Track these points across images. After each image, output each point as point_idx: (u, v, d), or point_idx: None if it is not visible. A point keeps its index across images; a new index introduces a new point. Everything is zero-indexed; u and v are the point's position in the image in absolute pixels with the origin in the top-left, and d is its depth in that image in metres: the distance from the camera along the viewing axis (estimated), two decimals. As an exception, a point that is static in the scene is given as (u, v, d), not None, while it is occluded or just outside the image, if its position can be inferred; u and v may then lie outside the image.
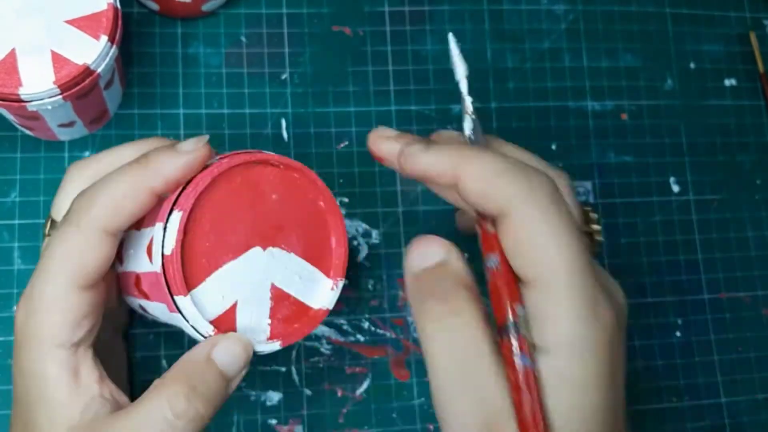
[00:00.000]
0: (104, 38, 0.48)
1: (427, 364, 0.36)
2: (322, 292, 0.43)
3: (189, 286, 0.39)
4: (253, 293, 0.41)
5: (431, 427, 0.58)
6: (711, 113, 0.67)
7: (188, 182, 0.39)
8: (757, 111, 0.68)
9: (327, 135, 0.61)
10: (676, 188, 0.65)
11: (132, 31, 0.60)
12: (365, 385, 0.58)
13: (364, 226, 0.60)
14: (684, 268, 0.64)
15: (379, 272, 0.60)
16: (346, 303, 0.59)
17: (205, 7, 0.60)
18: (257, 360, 0.49)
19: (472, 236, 0.41)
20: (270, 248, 0.41)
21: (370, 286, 0.59)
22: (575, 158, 0.64)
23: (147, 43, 0.60)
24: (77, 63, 0.48)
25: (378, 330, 0.59)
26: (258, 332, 0.41)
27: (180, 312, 0.39)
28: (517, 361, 0.34)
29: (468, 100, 0.43)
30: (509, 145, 0.44)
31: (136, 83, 0.59)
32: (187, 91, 0.60)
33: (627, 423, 0.37)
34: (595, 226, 0.44)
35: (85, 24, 0.49)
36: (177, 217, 0.38)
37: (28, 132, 0.57)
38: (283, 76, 0.62)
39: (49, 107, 0.48)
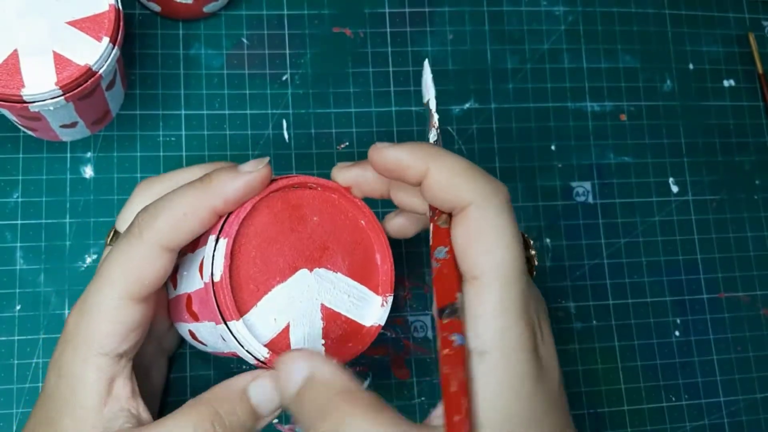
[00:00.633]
0: (106, 39, 0.48)
1: None
2: (372, 309, 0.43)
3: (241, 311, 0.39)
4: (305, 315, 0.41)
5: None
6: (710, 114, 0.68)
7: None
8: (755, 112, 0.68)
9: (328, 136, 0.61)
10: (675, 188, 0.65)
11: (134, 33, 0.60)
12: (366, 384, 0.58)
13: (365, 226, 0.60)
14: (683, 268, 0.64)
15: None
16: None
17: (207, 9, 0.60)
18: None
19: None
20: (316, 269, 0.42)
21: (370, 286, 0.59)
22: (574, 159, 0.64)
23: (149, 44, 0.60)
24: (79, 64, 0.48)
25: (378, 330, 0.59)
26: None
27: (234, 336, 0.39)
28: (454, 338, 0.35)
29: (435, 117, 0.44)
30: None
31: (138, 84, 0.60)
32: (189, 92, 0.60)
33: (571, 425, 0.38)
34: (532, 251, 0.45)
35: (87, 25, 0.49)
36: (222, 244, 0.39)
37: (30, 133, 0.57)
38: (284, 77, 0.62)
39: (51, 108, 0.48)
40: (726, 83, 0.68)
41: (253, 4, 0.62)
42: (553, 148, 0.64)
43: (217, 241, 0.39)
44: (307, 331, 0.41)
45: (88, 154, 0.58)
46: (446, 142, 0.63)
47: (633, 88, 0.67)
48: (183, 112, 0.60)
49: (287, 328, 0.41)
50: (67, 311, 0.55)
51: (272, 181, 0.41)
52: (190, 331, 0.45)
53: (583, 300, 0.62)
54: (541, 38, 0.66)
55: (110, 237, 0.47)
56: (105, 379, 0.39)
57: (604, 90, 0.66)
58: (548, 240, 0.62)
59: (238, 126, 0.60)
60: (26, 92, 0.47)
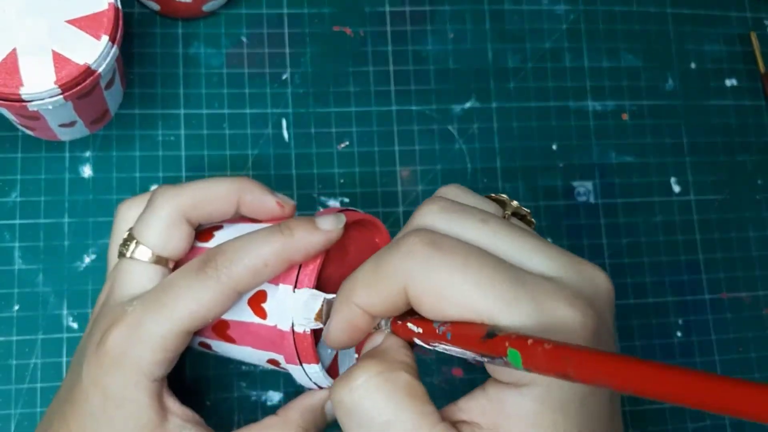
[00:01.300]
0: (105, 38, 0.48)
1: None
2: None
3: (315, 358, 0.41)
4: None
5: (432, 427, 0.58)
6: (712, 113, 0.67)
7: None
8: (758, 111, 0.68)
9: (328, 135, 0.61)
10: (677, 188, 0.65)
11: (133, 32, 0.60)
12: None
13: (365, 226, 0.60)
14: (685, 268, 0.64)
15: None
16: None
17: (206, 8, 0.60)
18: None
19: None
20: None
21: (370, 286, 0.59)
22: (576, 158, 0.64)
23: (148, 43, 0.60)
24: (78, 63, 0.48)
25: (379, 330, 0.59)
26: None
27: (308, 377, 0.42)
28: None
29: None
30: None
31: (137, 83, 0.59)
32: (188, 91, 0.60)
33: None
34: (514, 203, 0.42)
35: (86, 24, 0.49)
36: (300, 295, 0.40)
37: (28, 132, 0.57)
38: (284, 77, 0.62)
39: (50, 107, 0.48)
40: (728, 82, 0.68)
41: (252, 3, 0.62)
42: (554, 147, 0.64)
43: (294, 292, 0.40)
44: (348, 355, 0.45)
45: (87, 154, 0.58)
46: (447, 141, 0.62)
47: (635, 88, 0.66)
48: (182, 111, 0.60)
49: (336, 355, 0.44)
50: (65, 311, 0.55)
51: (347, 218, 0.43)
52: (202, 343, 0.46)
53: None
54: (542, 37, 0.66)
55: (130, 249, 0.44)
56: (157, 400, 0.41)
57: (606, 89, 0.66)
58: (549, 240, 0.62)
59: (238, 125, 0.60)
60: (25, 91, 0.47)
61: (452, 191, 0.39)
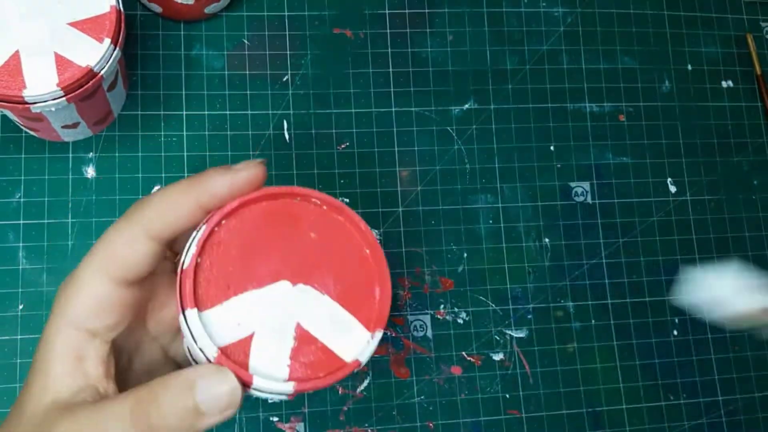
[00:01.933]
0: (107, 41, 0.49)
1: None
2: (355, 342, 0.38)
3: (203, 304, 0.37)
4: (275, 329, 0.38)
5: (431, 425, 0.58)
6: (708, 115, 0.68)
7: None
8: (754, 112, 0.69)
9: (328, 136, 0.62)
10: (673, 189, 0.66)
11: (135, 34, 0.60)
12: (366, 383, 0.58)
13: (365, 226, 0.60)
14: (681, 267, 0.65)
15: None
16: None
17: (208, 10, 0.60)
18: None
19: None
20: (300, 284, 0.39)
21: (370, 286, 0.60)
22: (574, 159, 0.65)
23: (150, 45, 0.61)
24: (80, 65, 0.48)
25: (378, 329, 0.59)
26: (274, 371, 0.38)
27: (188, 327, 0.37)
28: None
29: None
30: None
31: (140, 85, 0.60)
32: (190, 92, 0.61)
33: None
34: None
35: (89, 26, 0.49)
36: (199, 232, 0.38)
37: (32, 133, 0.57)
38: (285, 78, 0.62)
39: (53, 109, 0.49)
40: (724, 84, 0.69)
41: (254, 5, 0.63)
42: (552, 148, 0.64)
43: (198, 230, 0.38)
44: (273, 347, 0.38)
45: (90, 155, 0.58)
46: (446, 142, 0.63)
47: (632, 89, 0.67)
48: (184, 112, 0.60)
49: (250, 337, 0.38)
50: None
51: (273, 187, 0.40)
52: (188, 348, 0.43)
53: (582, 299, 0.62)
54: (540, 39, 0.66)
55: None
56: (73, 353, 0.39)
57: (603, 91, 0.66)
58: (547, 240, 0.63)
59: (239, 126, 0.60)
60: (28, 93, 0.47)
61: None
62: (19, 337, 0.55)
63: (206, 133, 0.60)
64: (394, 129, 0.63)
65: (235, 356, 0.37)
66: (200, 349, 0.37)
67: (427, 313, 0.60)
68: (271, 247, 0.39)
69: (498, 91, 0.65)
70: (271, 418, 0.57)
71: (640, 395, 0.62)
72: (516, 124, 0.64)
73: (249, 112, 0.61)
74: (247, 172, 0.39)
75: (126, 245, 0.39)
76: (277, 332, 0.38)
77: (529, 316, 0.61)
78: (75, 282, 0.39)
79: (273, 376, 0.37)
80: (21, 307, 0.55)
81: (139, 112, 0.60)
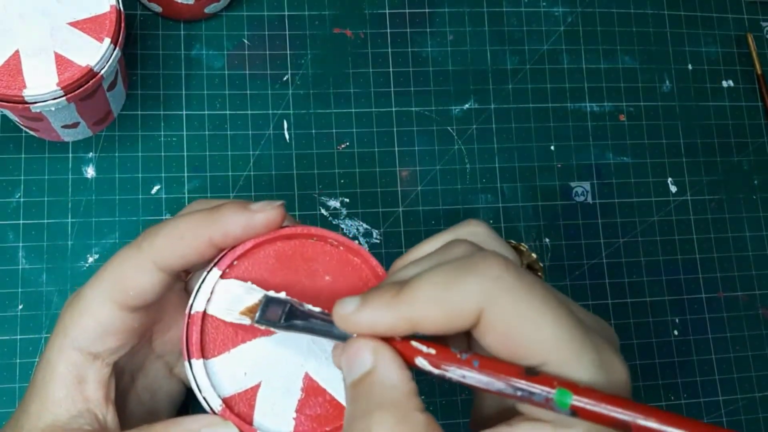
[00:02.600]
0: (107, 40, 0.49)
1: None
2: None
3: (209, 352, 0.36)
4: (282, 379, 0.37)
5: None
6: (708, 114, 0.68)
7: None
8: (754, 112, 0.69)
9: (328, 136, 0.62)
10: (673, 188, 0.66)
11: (135, 33, 0.60)
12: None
13: (365, 226, 0.60)
14: (681, 267, 0.65)
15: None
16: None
17: (208, 10, 0.60)
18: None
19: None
20: None
21: (370, 286, 0.60)
22: (574, 159, 0.65)
23: (150, 45, 0.61)
24: (80, 65, 0.48)
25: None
26: (278, 425, 0.37)
27: (193, 377, 0.36)
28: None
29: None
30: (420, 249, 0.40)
31: (140, 85, 0.60)
32: (190, 92, 0.60)
33: None
34: (533, 255, 0.41)
35: (89, 26, 0.49)
36: (209, 274, 0.37)
37: (32, 133, 0.57)
38: (285, 78, 0.62)
39: (53, 108, 0.49)
40: (725, 84, 0.69)
41: (254, 5, 0.63)
42: (552, 148, 0.64)
43: (208, 272, 0.37)
44: (280, 398, 0.37)
45: (90, 155, 0.58)
46: (446, 142, 0.63)
47: (632, 89, 0.67)
48: (184, 112, 0.60)
49: (257, 387, 0.37)
50: (68, 310, 0.55)
51: (289, 227, 0.38)
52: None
53: (582, 299, 0.62)
54: (540, 39, 0.66)
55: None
56: (74, 375, 0.39)
57: (604, 90, 0.66)
58: (547, 240, 0.63)
59: (239, 126, 0.60)
60: (28, 93, 0.47)
61: (480, 230, 0.38)
62: (18, 337, 0.55)
63: (206, 132, 0.60)
64: (395, 129, 0.63)
65: (240, 407, 0.37)
66: (204, 399, 0.36)
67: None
68: (283, 290, 0.37)
69: (498, 91, 0.65)
70: None
71: (640, 395, 0.61)
72: (516, 123, 0.64)
73: (249, 111, 0.61)
74: (265, 215, 0.38)
75: (134, 274, 0.38)
76: (284, 383, 0.37)
77: (530, 316, 0.61)
78: (80, 304, 0.39)
79: (277, 430, 0.36)
80: (20, 307, 0.55)
81: (139, 112, 0.60)
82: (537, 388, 0.30)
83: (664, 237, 0.65)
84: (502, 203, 0.63)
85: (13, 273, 0.56)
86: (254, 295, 0.37)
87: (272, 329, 0.36)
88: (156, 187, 0.58)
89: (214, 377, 0.37)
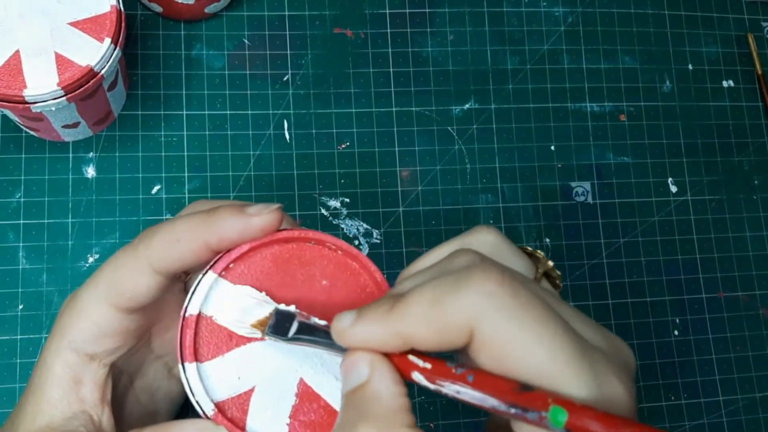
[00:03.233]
0: (108, 40, 0.49)
1: None
2: None
3: (203, 356, 0.36)
4: (276, 384, 0.37)
5: (431, 425, 0.58)
6: (709, 114, 0.68)
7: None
8: (755, 112, 0.69)
9: (329, 136, 0.62)
10: (674, 188, 0.66)
11: (135, 33, 0.61)
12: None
13: (365, 225, 0.60)
14: (682, 267, 0.65)
15: (379, 272, 0.60)
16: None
17: (208, 10, 0.60)
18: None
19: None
20: None
21: (370, 286, 0.60)
22: (574, 159, 0.65)
23: (150, 45, 0.61)
24: (81, 65, 0.48)
25: (379, 329, 0.59)
26: (272, 429, 0.36)
27: (187, 381, 0.36)
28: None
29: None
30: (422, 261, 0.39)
31: (140, 85, 0.60)
32: (190, 92, 0.61)
33: None
34: (550, 263, 0.41)
35: (89, 26, 0.49)
36: (203, 277, 0.36)
37: (32, 133, 0.57)
38: (285, 78, 0.62)
39: (53, 108, 0.49)
40: (725, 84, 0.69)
41: (254, 5, 0.63)
42: (552, 148, 0.64)
43: (203, 275, 0.37)
44: (273, 404, 0.36)
45: (90, 154, 0.58)
46: (446, 142, 0.63)
47: (632, 89, 0.67)
48: (184, 112, 0.60)
49: (251, 391, 0.36)
50: (69, 310, 0.55)
51: (286, 230, 0.38)
52: None
53: (583, 299, 0.62)
54: (540, 39, 0.66)
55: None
56: (70, 376, 0.39)
57: (604, 90, 0.66)
58: (548, 240, 0.63)
59: (240, 126, 0.60)
60: (28, 93, 0.47)
61: (490, 238, 0.37)
62: (18, 337, 0.55)
63: (206, 132, 0.60)
64: (395, 129, 0.63)
65: (233, 412, 0.36)
66: (197, 403, 0.36)
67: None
68: (278, 295, 0.37)
69: (498, 91, 0.65)
70: None
71: (641, 395, 0.61)
72: (516, 123, 0.64)
73: (249, 111, 0.61)
74: (261, 219, 0.37)
75: (130, 277, 0.38)
76: (278, 388, 0.37)
77: (530, 316, 0.61)
78: (77, 306, 0.39)
79: None
80: (21, 307, 0.55)
81: (140, 112, 0.60)
82: (530, 406, 0.29)
83: (664, 237, 0.65)
84: (502, 203, 0.63)
85: (14, 273, 0.56)
86: (265, 307, 0.36)
87: (279, 341, 0.36)
88: (156, 187, 0.58)
89: (207, 381, 0.36)
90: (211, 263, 0.37)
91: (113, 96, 0.55)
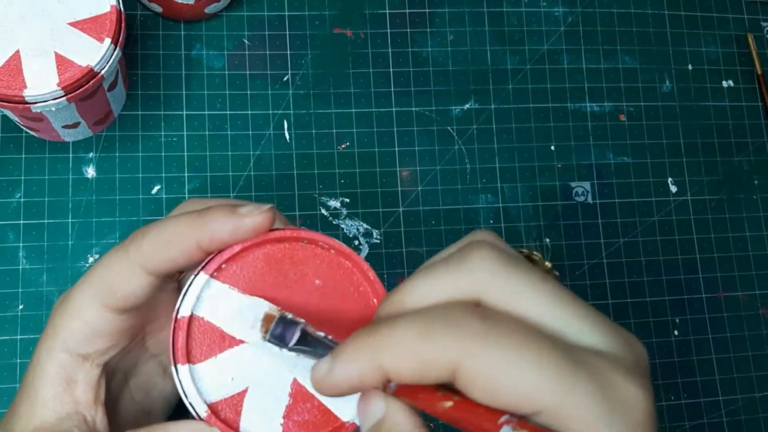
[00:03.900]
0: (108, 40, 0.49)
1: None
2: (355, 401, 0.35)
3: (196, 357, 0.36)
4: (270, 384, 0.37)
5: (431, 425, 0.58)
6: (709, 114, 0.68)
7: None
8: (754, 112, 0.69)
9: (328, 136, 0.62)
10: (673, 188, 0.66)
11: (135, 34, 0.61)
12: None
13: (365, 225, 0.60)
14: (682, 267, 0.65)
15: (380, 272, 0.60)
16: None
17: (208, 10, 0.60)
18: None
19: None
20: None
21: (370, 286, 0.60)
22: (574, 159, 0.65)
23: (150, 45, 0.61)
24: (81, 65, 0.48)
25: (379, 329, 0.59)
26: (266, 430, 0.36)
27: (179, 383, 0.36)
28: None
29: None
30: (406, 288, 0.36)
31: (140, 85, 0.60)
32: (190, 92, 0.61)
33: None
34: (548, 264, 0.40)
35: (89, 26, 0.49)
36: (195, 277, 0.36)
37: (32, 133, 0.57)
38: (285, 78, 0.62)
39: (53, 109, 0.49)
40: (725, 84, 0.69)
41: (254, 5, 0.63)
42: (552, 148, 0.64)
43: (195, 276, 0.36)
44: (267, 404, 0.36)
45: (90, 155, 0.58)
46: (446, 142, 0.63)
47: (632, 89, 0.67)
48: (184, 112, 0.60)
49: (244, 392, 0.36)
50: (69, 310, 0.55)
51: (279, 230, 0.37)
52: None
53: (583, 299, 0.62)
54: (540, 39, 0.66)
55: None
56: (63, 377, 0.39)
57: (604, 90, 0.66)
58: (548, 240, 0.63)
59: (240, 126, 0.60)
60: (28, 93, 0.47)
61: (487, 239, 0.36)
62: (18, 337, 0.55)
63: (206, 133, 0.60)
64: (395, 129, 0.63)
65: (226, 413, 0.36)
66: (190, 404, 0.36)
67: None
68: (271, 295, 0.37)
69: (498, 91, 0.65)
70: None
71: (640, 395, 0.61)
72: (516, 123, 0.64)
73: (249, 111, 0.61)
74: (253, 220, 0.37)
75: (121, 278, 0.38)
76: (272, 388, 0.37)
77: (530, 316, 0.61)
78: (69, 306, 0.39)
79: None
80: (21, 307, 0.55)
81: (140, 112, 0.60)
82: None
83: (664, 237, 0.65)
84: (502, 203, 0.63)
85: (14, 273, 0.56)
86: (258, 307, 0.36)
87: (280, 348, 0.35)
88: (156, 187, 0.58)
89: (200, 382, 0.36)
90: (203, 264, 0.37)
91: (113, 96, 0.55)
